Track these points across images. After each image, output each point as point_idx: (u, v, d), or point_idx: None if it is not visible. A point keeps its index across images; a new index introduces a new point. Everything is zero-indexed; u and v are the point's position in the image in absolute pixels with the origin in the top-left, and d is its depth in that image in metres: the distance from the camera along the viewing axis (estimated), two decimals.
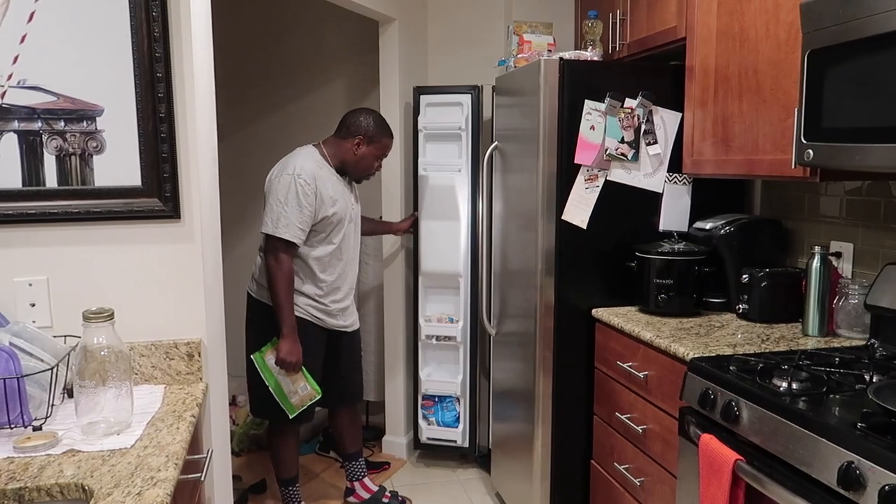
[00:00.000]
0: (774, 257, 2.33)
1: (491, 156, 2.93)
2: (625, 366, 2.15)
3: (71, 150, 1.55)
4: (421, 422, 3.31)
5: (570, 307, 2.43)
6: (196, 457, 1.45)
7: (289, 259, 2.48)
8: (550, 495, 2.49)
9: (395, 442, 3.46)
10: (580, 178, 2.38)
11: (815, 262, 1.98)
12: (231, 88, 3.58)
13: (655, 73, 2.41)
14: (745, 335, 2.01)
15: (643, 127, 2.36)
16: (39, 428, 1.34)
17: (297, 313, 2.54)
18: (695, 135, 2.27)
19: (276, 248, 2.46)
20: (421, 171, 3.21)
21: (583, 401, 2.46)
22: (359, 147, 2.62)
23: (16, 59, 1.50)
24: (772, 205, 2.46)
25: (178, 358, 1.62)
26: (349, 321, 2.75)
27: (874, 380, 1.52)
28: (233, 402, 3.44)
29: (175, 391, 1.57)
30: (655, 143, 2.38)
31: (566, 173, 2.37)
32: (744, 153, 2.03)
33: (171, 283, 1.63)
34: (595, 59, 2.48)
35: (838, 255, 2.09)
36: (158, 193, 1.60)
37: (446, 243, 3.18)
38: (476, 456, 3.34)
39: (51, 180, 1.55)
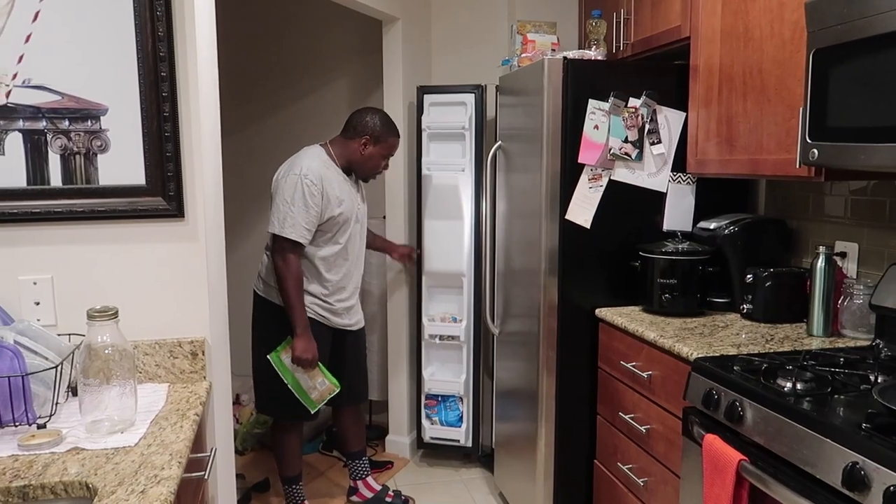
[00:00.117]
0: (779, 257, 2.32)
1: (494, 155, 2.93)
2: (628, 366, 2.15)
3: (75, 149, 1.56)
4: (424, 421, 3.31)
5: (574, 307, 2.43)
6: (199, 455, 1.45)
7: (296, 259, 2.49)
8: (554, 495, 2.49)
9: (398, 441, 3.46)
10: (584, 178, 2.38)
11: (820, 262, 1.98)
12: (235, 88, 3.58)
13: (659, 73, 2.41)
14: (749, 335, 2.00)
15: (647, 126, 2.36)
16: (44, 426, 1.34)
17: None
18: (699, 134, 2.27)
19: (283, 247, 2.47)
20: (424, 171, 3.21)
21: (586, 401, 2.45)
22: (366, 147, 2.62)
23: (21, 58, 1.51)
24: (776, 204, 2.45)
25: (182, 356, 1.62)
26: (354, 320, 2.76)
27: (879, 380, 1.52)
28: (236, 401, 3.44)
29: (179, 390, 1.57)
30: (659, 142, 2.38)
31: (570, 173, 2.37)
32: (748, 153, 2.03)
33: (174, 281, 1.64)
34: (599, 58, 2.48)
35: (843, 255, 2.08)
36: (162, 192, 1.60)
37: (450, 243, 3.18)
38: (479, 455, 3.34)
39: (55, 179, 1.56)
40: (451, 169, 3.17)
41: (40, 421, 1.35)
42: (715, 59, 2.16)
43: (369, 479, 2.96)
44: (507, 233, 2.85)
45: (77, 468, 1.19)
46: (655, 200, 2.41)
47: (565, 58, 2.36)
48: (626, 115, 2.35)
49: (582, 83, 2.34)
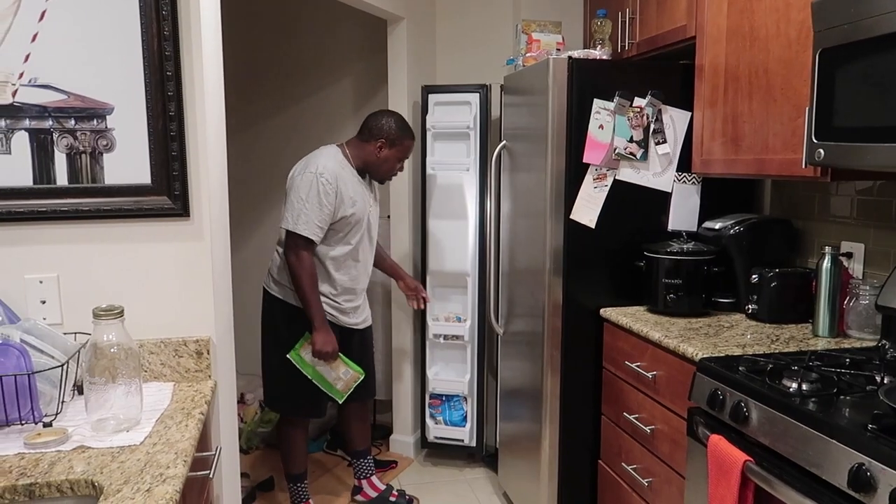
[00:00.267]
0: (784, 257, 2.32)
1: (499, 155, 2.92)
2: (633, 366, 2.14)
3: (81, 148, 1.56)
4: (428, 421, 3.31)
5: (578, 307, 2.42)
6: (205, 454, 1.45)
7: (309, 255, 2.50)
8: (558, 495, 2.48)
9: (402, 441, 3.46)
10: (589, 178, 2.37)
11: (826, 263, 1.97)
12: (239, 87, 3.58)
13: (665, 73, 2.40)
14: (754, 335, 2.00)
15: (652, 126, 2.36)
16: (50, 424, 1.34)
17: None
18: (704, 134, 2.26)
19: (296, 244, 2.48)
20: (429, 170, 3.21)
21: (591, 401, 2.45)
22: (381, 150, 2.63)
23: (27, 57, 1.51)
24: (782, 204, 2.44)
25: (187, 355, 1.62)
26: (361, 318, 2.77)
27: (885, 381, 1.51)
28: (241, 400, 3.45)
29: (184, 388, 1.58)
30: (664, 142, 2.37)
31: (575, 172, 2.37)
32: (754, 153, 2.02)
33: (180, 280, 1.64)
34: (604, 57, 2.47)
35: (849, 255, 2.08)
36: (168, 191, 1.60)
37: (454, 242, 3.18)
38: (483, 455, 3.34)
39: (61, 178, 1.56)
40: (455, 168, 3.17)
41: (46, 419, 1.36)
42: (721, 59, 2.15)
43: (374, 479, 2.96)
44: (511, 232, 2.85)
45: (83, 466, 1.19)
46: (660, 200, 2.41)
47: (570, 57, 2.35)
48: (632, 114, 2.34)
49: (587, 83, 2.34)
